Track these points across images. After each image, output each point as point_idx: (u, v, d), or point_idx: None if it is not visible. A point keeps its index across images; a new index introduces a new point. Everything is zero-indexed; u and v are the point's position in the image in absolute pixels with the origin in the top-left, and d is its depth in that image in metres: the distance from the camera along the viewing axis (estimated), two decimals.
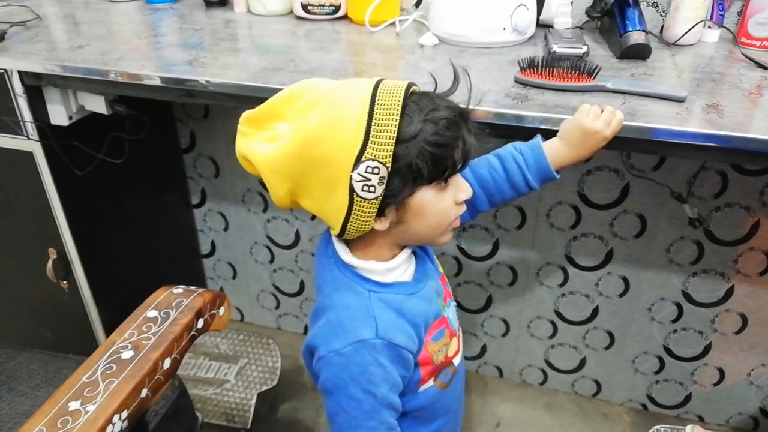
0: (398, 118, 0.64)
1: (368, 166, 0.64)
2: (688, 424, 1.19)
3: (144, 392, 0.59)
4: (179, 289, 0.73)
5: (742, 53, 1.09)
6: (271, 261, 1.72)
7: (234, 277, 1.80)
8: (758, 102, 0.91)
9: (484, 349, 1.67)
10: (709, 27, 1.16)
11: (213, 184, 1.64)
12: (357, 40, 1.18)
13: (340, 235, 0.72)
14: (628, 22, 1.06)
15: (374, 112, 0.64)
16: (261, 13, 1.32)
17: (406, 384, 0.75)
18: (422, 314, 0.75)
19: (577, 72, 0.93)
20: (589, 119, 0.79)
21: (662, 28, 1.17)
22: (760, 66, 1.04)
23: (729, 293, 1.37)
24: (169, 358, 0.63)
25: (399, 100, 0.65)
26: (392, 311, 0.72)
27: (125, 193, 1.40)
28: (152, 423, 0.77)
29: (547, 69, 0.93)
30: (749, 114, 0.86)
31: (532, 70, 0.94)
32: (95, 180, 1.26)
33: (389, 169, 0.65)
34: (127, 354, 0.61)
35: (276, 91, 0.93)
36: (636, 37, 1.04)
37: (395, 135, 0.64)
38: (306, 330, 1.82)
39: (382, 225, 0.70)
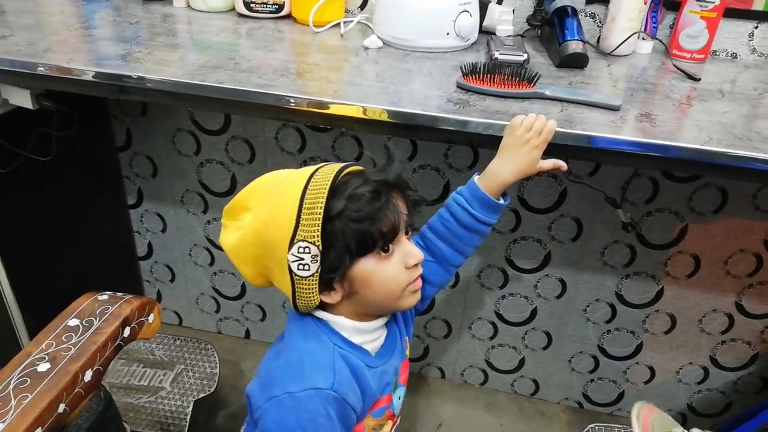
0: (324, 200, 0.69)
1: (299, 247, 0.69)
2: (635, 405, 1.21)
3: (62, 407, 0.55)
4: (104, 296, 0.69)
5: (674, 64, 1.14)
6: (212, 263, 1.67)
7: (172, 280, 1.74)
8: (688, 112, 0.95)
9: (426, 350, 1.68)
10: (643, 38, 1.20)
11: (150, 184, 1.58)
12: (300, 40, 1.16)
13: (296, 309, 0.76)
14: (566, 31, 1.08)
15: (305, 197, 0.69)
16: (201, 9, 1.28)
17: None
18: (373, 388, 0.76)
19: (517, 79, 0.94)
20: (520, 131, 0.80)
21: (599, 38, 1.21)
22: (690, 77, 1.08)
23: (659, 295, 1.43)
24: (90, 369, 0.60)
25: (327, 183, 0.70)
26: (350, 371, 0.74)
27: (54, 193, 1.32)
28: None
29: (489, 75, 0.94)
30: (679, 123, 0.89)
31: (474, 76, 0.95)
32: (21, 179, 1.19)
33: (320, 248, 0.69)
34: (43, 366, 0.58)
35: (214, 89, 0.91)
36: (574, 47, 1.06)
37: (321, 215, 0.68)
38: (248, 333, 1.78)
39: (332, 298, 0.74)
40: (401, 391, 0.85)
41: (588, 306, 1.49)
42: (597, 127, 0.85)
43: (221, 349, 1.60)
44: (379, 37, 1.14)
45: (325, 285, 0.73)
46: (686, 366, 1.52)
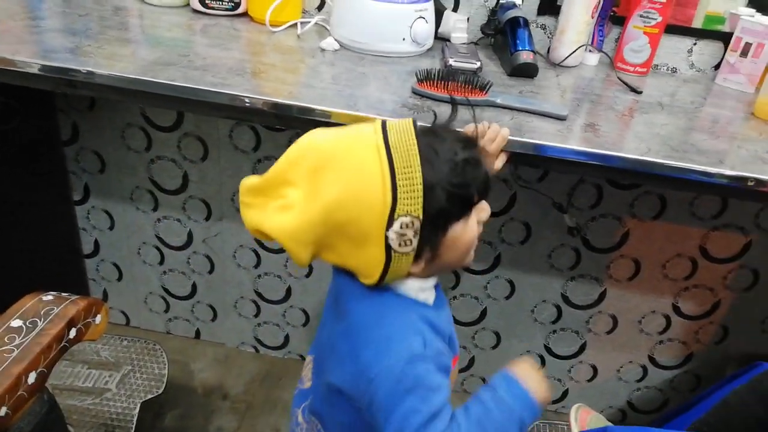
0: (420, 167, 0.64)
1: (402, 223, 0.64)
2: (573, 407, 1.27)
3: (3, 410, 0.54)
4: (49, 296, 0.67)
5: (618, 77, 1.19)
6: (161, 262, 1.64)
7: (119, 278, 1.70)
8: (630, 123, 0.99)
9: None
10: (590, 51, 1.25)
11: (98, 180, 1.54)
12: (256, 40, 1.16)
13: (377, 285, 0.71)
14: (518, 41, 1.12)
15: (395, 167, 0.64)
16: (155, 3, 1.25)
17: None
18: (449, 336, 0.76)
19: (470, 86, 0.96)
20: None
21: (549, 49, 1.25)
22: (633, 90, 1.14)
23: (602, 296, 1.49)
24: (34, 372, 0.58)
25: (414, 147, 0.65)
26: (430, 327, 0.72)
27: None
28: None
29: (443, 82, 0.97)
30: (621, 134, 0.94)
31: (428, 82, 0.97)
32: None
33: (421, 220, 0.65)
34: None
35: (166, 87, 0.90)
36: (525, 57, 1.10)
37: (422, 186, 0.64)
38: (198, 333, 1.76)
39: (419, 267, 0.70)
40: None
41: (535, 307, 1.54)
42: (545, 135, 0.88)
43: (170, 350, 1.58)
44: (335, 40, 1.14)
45: (416, 255, 0.68)
46: (626, 365, 1.59)
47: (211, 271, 1.63)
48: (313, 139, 0.68)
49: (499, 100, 0.95)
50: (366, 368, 0.69)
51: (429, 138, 0.68)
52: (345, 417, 0.79)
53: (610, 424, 1.17)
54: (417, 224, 0.65)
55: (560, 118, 0.94)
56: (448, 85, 0.96)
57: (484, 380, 1.69)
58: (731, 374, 1.05)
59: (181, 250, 1.61)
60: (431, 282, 0.77)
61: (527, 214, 1.40)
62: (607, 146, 0.87)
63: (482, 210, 0.73)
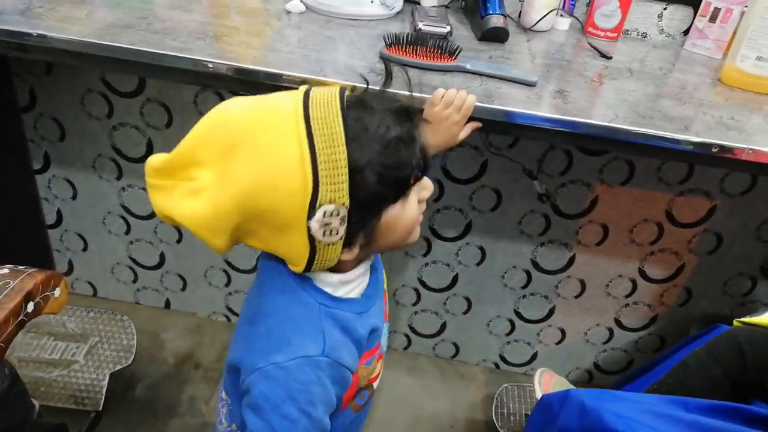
0: (344, 147, 0.56)
1: (326, 212, 0.57)
2: (537, 371, 1.31)
3: None
4: (5, 269, 0.65)
5: (588, 42, 1.18)
6: (127, 232, 1.61)
7: (85, 249, 1.66)
8: (599, 90, 0.99)
9: None
10: (561, 15, 1.23)
11: (58, 148, 1.49)
12: (219, 1, 1.11)
13: (304, 272, 0.65)
14: (489, 5, 1.10)
15: (316, 149, 0.56)
16: None
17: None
18: (365, 336, 0.71)
19: (439, 51, 0.95)
20: (439, 107, 0.81)
21: (520, 13, 1.23)
22: (603, 55, 1.13)
23: (571, 261, 1.51)
24: None
25: (339, 124, 0.56)
26: (339, 329, 0.67)
27: None
28: None
29: (412, 46, 0.95)
30: (590, 101, 0.94)
31: (396, 47, 0.95)
32: None
33: (347, 206, 0.58)
34: None
35: (125, 51, 0.86)
36: (495, 21, 1.08)
37: (347, 170, 0.56)
38: (168, 303, 1.74)
39: (352, 254, 0.64)
40: (385, 329, 0.81)
41: (505, 272, 1.55)
42: (514, 102, 0.87)
43: (140, 320, 1.56)
44: (301, 1, 1.11)
45: (346, 242, 0.62)
46: (593, 327, 1.63)
47: (179, 241, 1.60)
48: (224, 111, 0.60)
49: (468, 66, 0.94)
50: (255, 357, 0.65)
51: (357, 111, 0.60)
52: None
53: (573, 387, 1.20)
54: (343, 212, 0.58)
55: (530, 85, 0.93)
56: (416, 50, 0.94)
57: (455, 345, 1.71)
58: (691, 336, 1.08)
59: (147, 220, 1.58)
60: (355, 273, 0.70)
61: (498, 180, 1.40)
62: (575, 113, 0.87)
63: (423, 188, 0.67)
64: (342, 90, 0.60)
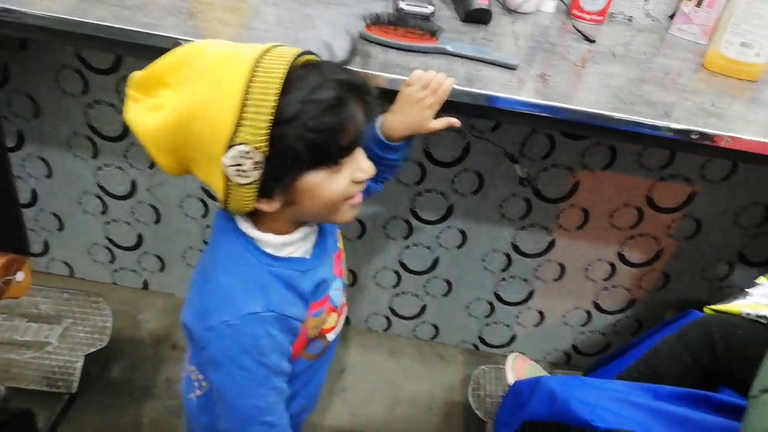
0: (276, 97, 0.59)
1: (240, 151, 0.60)
2: (509, 356, 1.32)
3: None
4: None
5: (573, 25, 1.17)
6: (104, 212, 1.58)
7: (60, 229, 1.63)
8: (581, 74, 0.98)
9: None
10: None
11: (32, 126, 1.45)
12: None
13: (225, 209, 0.69)
14: None
15: (250, 90, 0.59)
16: None
17: None
18: (311, 292, 0.75)
19: (420, 32, 0.93)
20: (414, 88, 0.80)
21: None
22: (587, 39, 1.12)
23: (551, 245, 1.51)
24: None
25: (280, 77, 0.60)
26: (283, 285, 0.71)
27: None
28: None
29: (392, 27, 0.93)
30: (572, 85, 0.92)
31: (377, 27, 0.93)
32: None
33: (266, 154, 0.61)
34: None
35: (95, 28, 0.83)
36: (479, 2, 1.06)
37: (271, 117, 0.59)
38: (146, 284, 1.72)
39: (269, 207, 0.67)
40: (338, 283, 0.83)
41: (486, 255, 1.55)
42: (495, 86, 0.86)
43: (117, 301, 1.54)
44: None
45: (264, 193, 0.65)
46: (572, 310, 1.64)
47: (157, 221, 1.58)
48: (203, 46, 0.64)
49: (449, 47, 0.92)
50: (205, 315, 0.70)
51: (306, 71, 0.62)
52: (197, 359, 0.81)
53: (545, 373, 1.21)
54: (257, 157, 0.60)
55: (511, 68, 0.92)
56: (398, 30, 0.92)
57: (434, 326, 1.72)
58: (665, 321, 1.09)
59: (124, 200, 1.55)
60: (296, 236, 0.73)
61: (480, 164, 1.39)
62: (555, 98, 0.86)
63: (359, 169, 0.69)
64: (306, 51, 0.64)
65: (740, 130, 0.88)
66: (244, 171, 0.61)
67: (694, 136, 0.86)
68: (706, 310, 1.04)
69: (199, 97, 0.61)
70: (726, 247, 1.48)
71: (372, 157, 0.77)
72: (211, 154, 0.61)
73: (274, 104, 0.59)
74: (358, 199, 0.72)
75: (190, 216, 1.55)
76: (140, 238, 1.62)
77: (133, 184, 1.51)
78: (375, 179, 0.86)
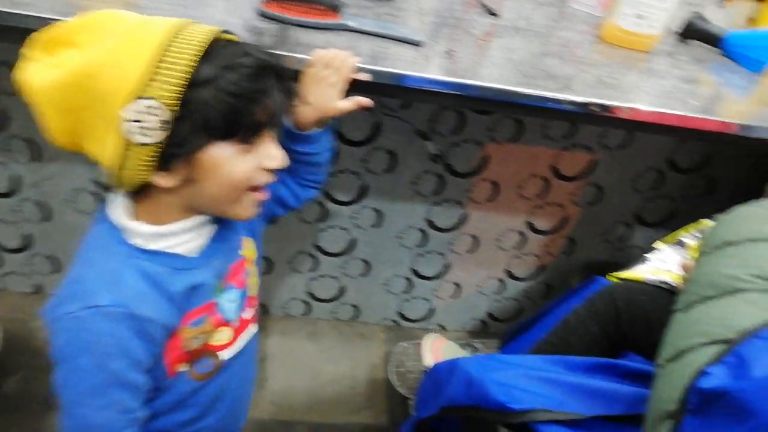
0: (194, 58, 0.58)
1: (146, 105, 0.57)
2: (426, 336, 1.34)
3: None
4: None
5: None
6: None
7: None
8: (486, 49, 0.98)
9: None
10: None
11: None
12: None
13: (117, 186, 0.65)
14: None
15: (170, 48, 0.58)
16: None
17: (154, 369, 0.68)
18: (182, 295, 0.68)
19: (323, 8, 0.89)
20: (316, 68, 0.77)
21: None
22: (491, 13, 1.12)
23: (464, 219, 1.53)
24: None
25: (200, 41, 0.59)
26: (146, 281, 0.65)
27: None
28: None
29: (293, 2, 0.88)
30: (477, 61, 0.92)
31: (276, 3, 0.88)
32: None
33: (175, 114, 0.58)
34: None
35: (34, 20, 0.73)
36: None
37: (186, 75, 0.57)
38: (39, 288, 1.58)
39: (167, 181, 0.62)
40: (233, 294, 0.76)
41: (402, 233, 1.55)
42: (402, 63, 0.84)
43: (6, 307, 1.41)
44: None
45: (164, 163, 0.61)
46: (486, 280, 1.68)
47: (48, 219, 1.44)
48: (123, 12, 0.62)
49: (351, 24, 0.89)
50: (53, 305, 0.65)
51: (230, 45, 0.62)
52: None
53: (463, 353, 1.22)
54: (164, 114, 0.58)
55: (415, 44, 0.90)
56: (298, 6, 0.88)
57: (354, 306, 1.71)
58: (571, 289, 1.13)
59: (6, 198, 1.40)
60: (177, 227, 0.67)
61: (392, 142, 1.38)
62: (461, 73, 0.85)
63: (269, 156, 0.66)
64: (232, 32, 0.64)
65: (635, 100, 0.91)
66: (147, 128, 0.58)
67: (593, 108, 0.89)
68: (611, 278, 1.08)
69: (109, 54, 0.58)
70: (625, 211, 1.56)
71: (287, 152, 0.72)
72: (112, 112, 0.58)
73: (191, 65, 0.58)
74: (263, 195, 0.68)
75: (84, 212, 1.43)
76: (29, 239, 1.48)
77: (18, 180, 1.37)
78: (299, 181, 0.84)
